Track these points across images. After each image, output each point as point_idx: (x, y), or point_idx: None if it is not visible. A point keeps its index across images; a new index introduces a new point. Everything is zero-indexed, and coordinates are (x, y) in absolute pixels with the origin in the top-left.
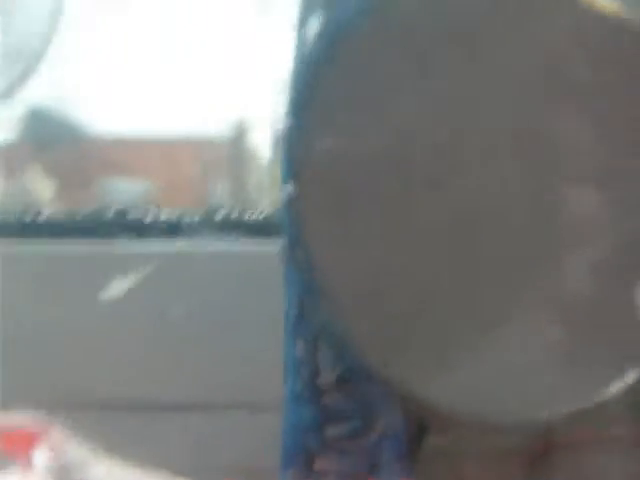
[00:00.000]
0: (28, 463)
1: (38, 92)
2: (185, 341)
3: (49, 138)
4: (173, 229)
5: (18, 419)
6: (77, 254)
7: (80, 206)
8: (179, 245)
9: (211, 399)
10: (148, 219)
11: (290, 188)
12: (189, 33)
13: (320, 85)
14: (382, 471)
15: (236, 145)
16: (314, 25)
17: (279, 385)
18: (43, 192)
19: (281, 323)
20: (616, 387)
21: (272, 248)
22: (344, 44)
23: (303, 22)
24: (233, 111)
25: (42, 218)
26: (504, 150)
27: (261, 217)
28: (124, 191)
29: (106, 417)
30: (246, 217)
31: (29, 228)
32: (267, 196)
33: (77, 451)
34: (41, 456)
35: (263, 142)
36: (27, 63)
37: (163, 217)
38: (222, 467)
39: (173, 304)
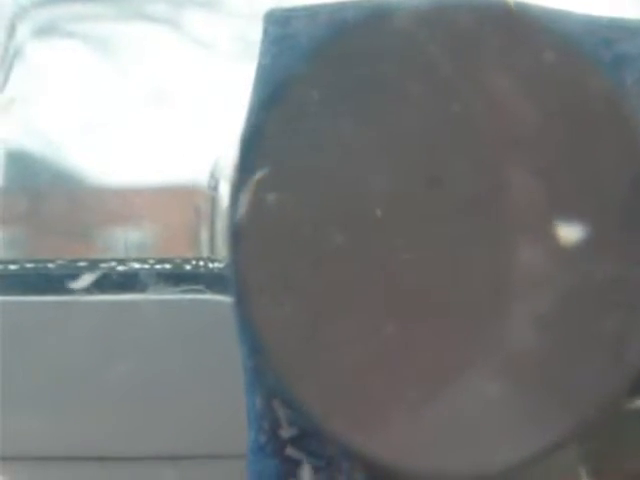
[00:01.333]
0: None
1: (25, 139)
2: (153, 392)
3: (39, 186)
4: (136, 281)
5: None
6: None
7: (78, 256)
8: (139, 296)
9: (175, 449)
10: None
11: (231, 244)
12: (175, 82)
13: (258, 143)
14: None
15: (211, 194)
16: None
17: (244, 435)
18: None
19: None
20: (563, 437)
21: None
22: (284, 96)
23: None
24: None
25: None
26: (446, 202)
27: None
28: (122, 241)
29: (63, 471)
30: (213, 268)
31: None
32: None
33: None
34: None
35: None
36: None
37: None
38: None
39: (135, 354)
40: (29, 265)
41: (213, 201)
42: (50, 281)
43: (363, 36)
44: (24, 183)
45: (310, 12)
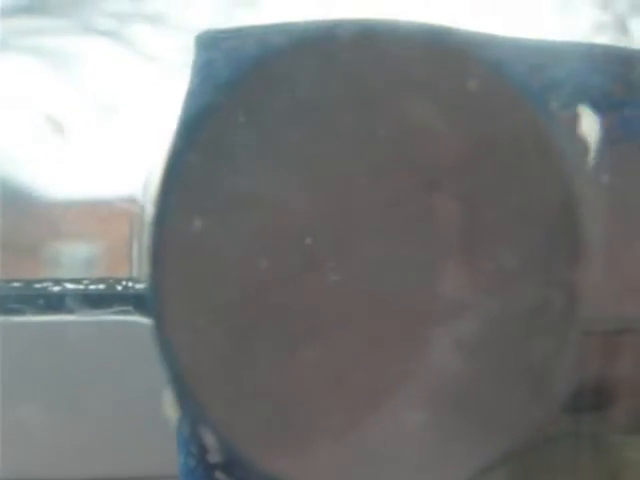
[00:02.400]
0: None
1: None
2: (79, 413)
3: None
4: (75, 301)
5: None
6: None
7: (25, 273)
8: (68, 317)
9: (103, 472)
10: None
11: (151, 268)
12: (121, 95)
13: (180, 168)
14: None
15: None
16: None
17: (173, 456)
18: None
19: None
20: (487, 462)
21: None
22: (202, 126)
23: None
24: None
25: None
26: (369, 227)
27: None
28: (70, 256)
29: None
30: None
31: None
32: None
33: None
34: None
35: None
36: None
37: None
38: None
39: (62, 375)
40: None
41: (142, 219)
42: None
43: (287, 62)
44: None
45: (239, 34)
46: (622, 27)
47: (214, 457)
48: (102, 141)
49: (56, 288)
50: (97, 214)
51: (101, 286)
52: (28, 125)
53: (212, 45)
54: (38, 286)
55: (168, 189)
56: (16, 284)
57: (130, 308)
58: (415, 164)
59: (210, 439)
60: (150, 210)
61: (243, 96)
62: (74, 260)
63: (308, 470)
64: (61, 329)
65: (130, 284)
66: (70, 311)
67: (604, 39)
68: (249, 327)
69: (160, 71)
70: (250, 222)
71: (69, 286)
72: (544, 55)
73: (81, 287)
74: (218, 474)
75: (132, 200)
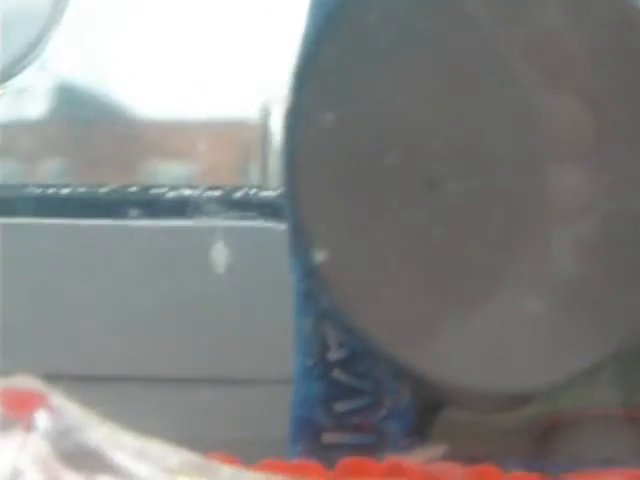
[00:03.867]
0: (29, 425)
1: (72, 67)
2: (200, 316)
3: (85, 117)
4: (191, 207)
5: (20, 382)
6: (88, 230)
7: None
8: (193, 221)
9: (221, 373)
10: (167, 197)
11: (288, 168)
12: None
13: (317, 62)
14: (390, 446)
15: (263, 127)
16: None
17: (289, 360)
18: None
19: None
20: (601, 359)
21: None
22: (339, 21)
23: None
24: (264, 92)
25: (64, 194)
26: (496, 129)
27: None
28: (166, 174)
29: (106, 390)
30: (265, 196)
31: (51, 204)
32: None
33: (77, 414)
34: (42, 418)
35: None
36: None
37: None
38: (229, 440)
39: (186, 279)
40: (81, 190)
41: (264, 134)
42: (102, 206)
43: None
44: (72, 115)
45: None
46: None
47: (335, 354)
48: (206, 61)
49: (172, 194)
50: (197, 134)
51: (217, 193)
52: (133, 43)
53: None
54: (155, 191)
55: (302, 90)
56: (133, 189)
57: (253, 214)
58: (543, 66)
59: (334, 335)
60: (275, 123)
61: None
62: (172, 179)
63: (436, 358)
64: (183, 234)
65: (252, 191)
66: (189, 216)
67: None
68: (380, 221)
69: None
70: (383, 120)
71: (186, 192)
72: None
73: (198, 193)
74: (336, 372)
75: (232, 121)
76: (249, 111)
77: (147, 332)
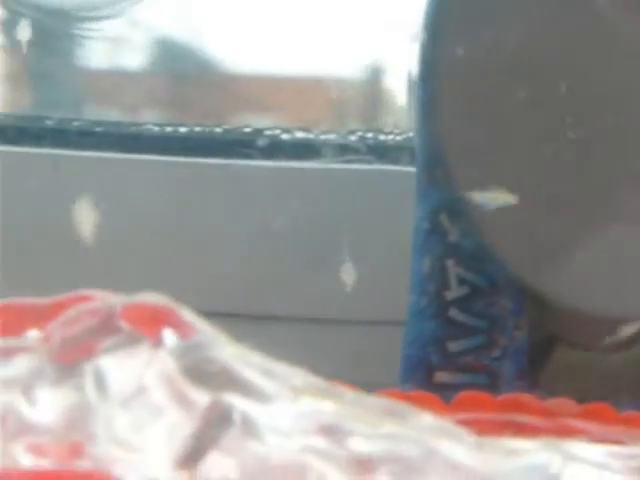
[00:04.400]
0: (157, 341)
1: (168, 21)
2: (315, 257)
3: (180, 70)
4: (304, 149)
5: (147, 299)
6: (204, 170)
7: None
8: (307, 164)
9: (328, 313)
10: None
11: (426, 100)
12: None
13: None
14: (503, 387)
15: (371, 87)
16: None
17: (399, 299)
18: None
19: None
20: None
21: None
22: None
23: None
24: (367, 53)
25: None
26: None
27: (393, 143)
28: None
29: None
30: (379, 140)
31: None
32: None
33: (207, 331)
34: (169, 334)
35: (398, 86)
36: None
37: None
38: (340, 379)
39: (301, 219)
40: (197, 129)
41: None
42: (218, 145)
43: None
44: (168, 68)
45: None
46: None
47: (453, 293)
48: (300, 17)
49: (285, 136)
50: (288, 90)
51: (330, 136)
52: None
53: None
54: (268, 133)
55: (439, 23)
56: (247, 130)
57: (371, 157)
58: None
59: (455, 273)
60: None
61: None
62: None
63: (559, 279)
64: (301, 175)
65: (369, 135)
66: (303, 158)
67: None
68: (514, 149)
69: None
70: (518, 55)
71: (299, 134)
72: None
73: (311, 136)
74: (453, 311)
75: (326, 79)
76: (346, 71)
77: (260, 269)
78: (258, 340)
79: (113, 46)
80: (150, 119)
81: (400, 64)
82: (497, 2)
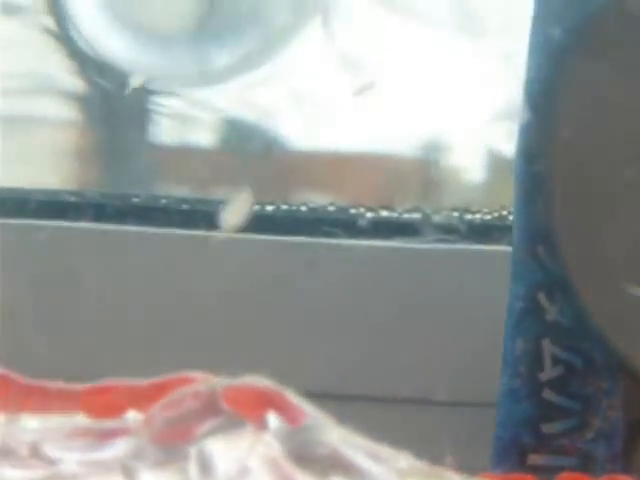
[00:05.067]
0: (261, 424)
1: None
2: (401, 337)
3: (246, 148)
4: (385, 229)
5: (250, 381)
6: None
7: None
8: (394, 243)
9: (421, 394)
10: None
11: (530, 179)
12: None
13: (564, 77)
14: (596, 469)
15: (432, 164)
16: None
17: (491, 381)
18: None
19: (491, 322)
20: None
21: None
22: (591, 37)
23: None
24: (425, 129)
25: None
26: None
27: (480, 222)
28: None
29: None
30: (466, 220)
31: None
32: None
33: (312, 414)
34: (274, 417)
35: (463, 162)
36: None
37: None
38: (434, 460)
39: (389, 299)
40: (284, 207)
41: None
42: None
43: None
44: (237, 147)
45: None
46: None
47: (548, 374)
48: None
49: (369, 214)
50: (348, 167)
51: (415, 215)
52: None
53: None
54: (353, 211)
55: (551, 98)
56: (331, 208)
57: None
58: None
59: (550, 353)
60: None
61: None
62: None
63: None
64: (393, 255)
65: (455, 214)
66: (386, 237)
67: None
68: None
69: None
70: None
71: (383, 213)
72: None
73: (394, 215)
74: (547, 392)
75: (385, 156)
76: (402, 146)
77: (340, 349)
78: (357, 422)
79: (183, 124)
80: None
81: (461, 140)
82: (609, 86)
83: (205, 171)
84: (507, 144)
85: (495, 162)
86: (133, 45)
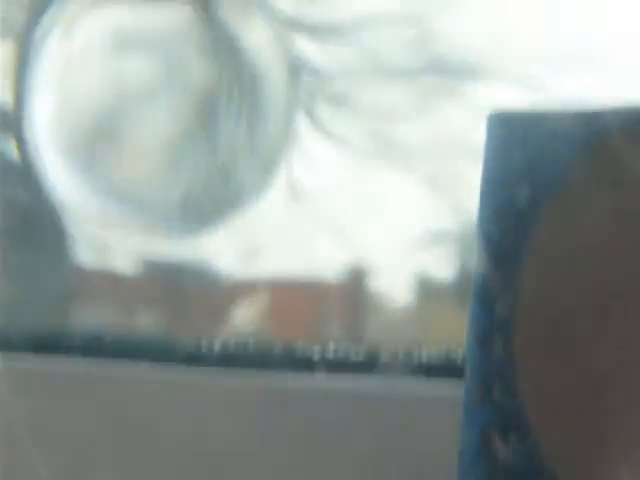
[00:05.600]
0: None
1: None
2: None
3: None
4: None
5: None
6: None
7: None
8: (344, 381)
9: None
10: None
11: (488, 323)
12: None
13: (530, 240)
14: None
15: (355, 289)
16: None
17: None
18: None
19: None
20: None
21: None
22: (558, 197)
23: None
24: (351, 254)
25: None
26: None
27: (429, 358)
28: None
29: None
30: (414, 358)
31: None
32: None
33: None
34: None
35: (389, 288)
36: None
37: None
38: None
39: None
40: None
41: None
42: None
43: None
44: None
45: (533, 117)
46: None
47: None
48: (291, 223)
49: (318, 350)
50: (269, 295)
51: (362, 352)
52: None
53: (507, 126)
54: (301, 347)
55: (516, 260)
56: (279, 345)
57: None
58: None
59: None
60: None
61: (594, 170)
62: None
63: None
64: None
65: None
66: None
67: None
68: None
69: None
70: (583, 286)
71: (331, 349)
72: None
73: (342, 351)
74: None
75: (314, 282)
76: (330, 273)
77: None
78: None
79: (105, 250)
80: (148, 322)
81: (388, 266)
82: (571, 238)
83: (128, 297)
84: (434, 269)
85: (422, 287)
86: (94, 199)
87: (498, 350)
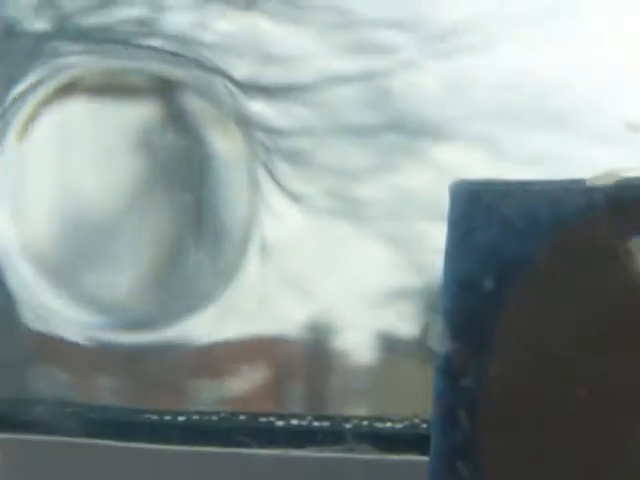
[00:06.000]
0: None
1: None
2: None
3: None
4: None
5: None
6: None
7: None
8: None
9: None
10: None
11: (454, 398)
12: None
13: (496, 318)
14: None
15: (317, 347)
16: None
17: None
18: None
19: None
20: None
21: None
22: (524, 283)
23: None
24: (311, 311)
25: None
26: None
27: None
28: (210, 393)
29: None
30: (379, 427)
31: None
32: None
33: None
34: None
35: (351, 345)
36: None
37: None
38: None
39: None
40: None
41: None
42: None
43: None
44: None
45: (499, 188)
46: None
47: None
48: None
49: (280, 423)
50: (242, 353)
51: (325, 423)
52: None
53: (474, 195)
54: (263, 420)
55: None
56: (242, 417)
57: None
58: None
59: None
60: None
61: (556, 250)
62: (213, 398)
63: None
64: (297, 464)
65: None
66: (295, 446)
67: None
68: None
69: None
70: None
71: (293, 421)
72: None
73: (304, 423)
74: None
75: (270, 339)
76: (289, 330)
77: None
78: None
79: None
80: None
81: (349, 323)
82: (542, 320)
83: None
84: (396, 326)
85: (384, 344)
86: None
87: (464, 426)
